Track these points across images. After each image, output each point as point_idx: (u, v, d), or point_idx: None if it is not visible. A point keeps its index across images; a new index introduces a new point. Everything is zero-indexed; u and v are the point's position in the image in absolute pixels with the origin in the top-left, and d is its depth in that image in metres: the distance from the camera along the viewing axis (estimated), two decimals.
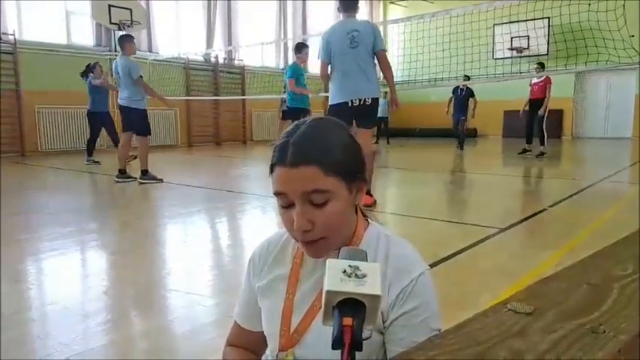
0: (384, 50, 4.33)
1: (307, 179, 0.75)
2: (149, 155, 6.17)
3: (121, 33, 10.95)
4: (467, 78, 10.98)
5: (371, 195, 4.27)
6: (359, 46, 4.17)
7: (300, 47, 7.51)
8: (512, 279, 2.46)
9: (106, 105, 8.26)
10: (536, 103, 9.23)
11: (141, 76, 5.98)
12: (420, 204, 4.91)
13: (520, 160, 9.52)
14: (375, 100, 4.32)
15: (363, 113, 4.26)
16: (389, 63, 4.38)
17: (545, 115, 9.14)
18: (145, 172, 6.03)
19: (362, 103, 4.23)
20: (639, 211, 3.91)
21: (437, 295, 0.82)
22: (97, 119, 8.13)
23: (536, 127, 9.19)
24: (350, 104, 4.22)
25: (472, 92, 10.85)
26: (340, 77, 4.26)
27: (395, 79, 4.56)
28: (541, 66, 9.14)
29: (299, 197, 0.76)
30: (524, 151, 9.30)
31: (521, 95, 14.19)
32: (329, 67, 4.32)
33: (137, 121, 6.03)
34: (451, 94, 11.16)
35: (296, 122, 0.82)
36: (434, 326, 0.78)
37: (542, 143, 9.06)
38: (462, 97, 10.86)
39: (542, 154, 8.99)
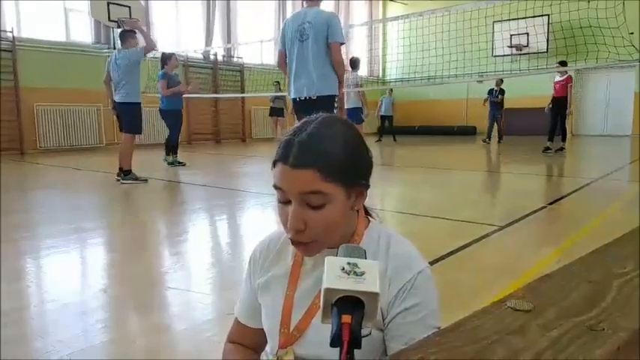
0: (338, 42, 4.01)
1: (306, 182, 0.75)
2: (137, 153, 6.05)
3: (119, 30, 10.98)
4: (500, 81, 12.64)
5: None
6: (309, 39, 3.97)
7: None
8: (512, 277, 2.46)
9: (181, 103, 7.67)
10: (558, 101, 9.28)
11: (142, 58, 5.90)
12: (418, 201, 4.91)
13: (519, 158, 9.53)
14: (324, 98, 4.01)
15: (315, 111, 4.06)
16: (341, 57, 4.10)
17: (568, 113, 9.33)
18: (127, 172, 5.80)
19: (307, 99, 4.03)
20: None
21: (437, 293, 0.82)
22: (172, 116, 7.50)
23: (559, 124, 9.37)
24: (297, 100, 4.08)
25: (504, 91, 12.56)
26: (290, 72, 4.14)
27: (395, 77, 4.51)
28: (562, 64, 9.06)
29: (296, 197, 0.76)
30: (547, 149, 9.30)
31: (521, 93, 14.29)
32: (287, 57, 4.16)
33: (131, 117, 5.87)
34: (487, 95, 12.83)
35: (305, 119, 0.81)
36: (433, 324, 0.78)
37: (563, 139, 9.34)
38: (497, 97, 12.51)
39: (561, 149, 9.24)
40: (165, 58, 7.49)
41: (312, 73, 4.01)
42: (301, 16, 4.09)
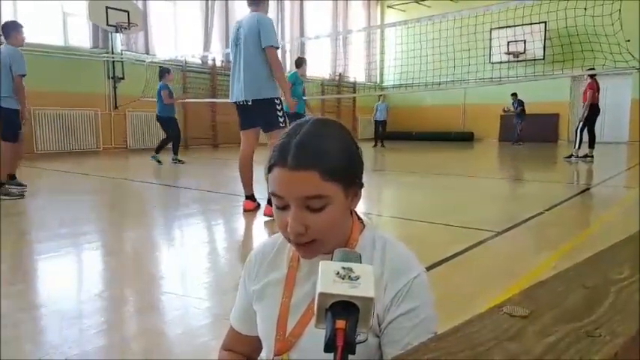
0: (272, 46, 3.92)
1: (306, 184, 0.73)
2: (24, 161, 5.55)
3: (119, 35, 10.99)
4: (515, 95, 14.48)
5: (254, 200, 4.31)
6: (241, 42, 4.00)
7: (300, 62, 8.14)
8: (508, 282, 2.46)
9: (175, 111, 8.79)
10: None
11: (23, 75, 5.00)
12: (416, 207, 4.91)
13: (515, 164, 9.55)
14: (260, 102, 4.01)
15: (254, 115, 4.10)
16: (278, 61, 4.02)
17: (581, 119, 9.17)
18: (11, 177, 5.14)
19: (244, 103, 4.08)
20: (639, 214, 3.92)
21: (433, 298, 0.81)
22: (168, 122, 8.58)
23: (580, 130, 9.24)
24: (236, 103, 4.17)
25: (522, 103, 14.55)
26: (231, 76, 4.23)
27: (392, 82, 4.51)
28: (590, 70, 8.96)
29: (296, 201, 0.75)
30: (586, 156, 9.20)
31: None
32: None
33: (5, 122, 5.00)
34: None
35: (298, 122, 0.81)
36: (430, 329, 0.77)
37: (575, 146, 9.14)
38: (518, 107, 14.63)
39: (585, 156, 9.04)
40: (165, 72, 8.70)
41: (245, 78, 4.01)
42: (240, 22, 4.14)
